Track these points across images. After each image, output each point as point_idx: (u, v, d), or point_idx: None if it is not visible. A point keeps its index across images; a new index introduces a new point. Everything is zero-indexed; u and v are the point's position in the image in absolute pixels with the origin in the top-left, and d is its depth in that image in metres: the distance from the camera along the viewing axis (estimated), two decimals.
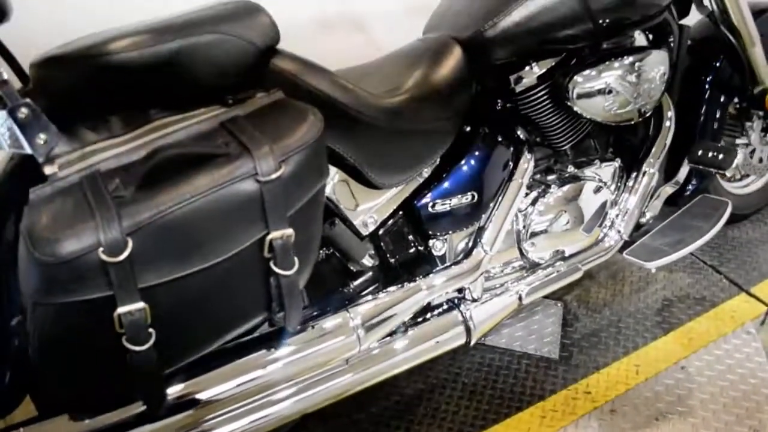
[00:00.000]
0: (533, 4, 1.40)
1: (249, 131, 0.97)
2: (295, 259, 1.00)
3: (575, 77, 1.47)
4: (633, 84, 1.51)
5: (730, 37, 1.81)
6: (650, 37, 1.72)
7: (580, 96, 1.48)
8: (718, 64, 1.91)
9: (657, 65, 1.55)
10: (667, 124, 1.70)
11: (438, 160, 1.39)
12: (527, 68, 1.51)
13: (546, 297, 1.81)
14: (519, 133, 1.54)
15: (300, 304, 1.08)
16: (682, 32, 1.73)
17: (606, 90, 1.49)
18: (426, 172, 1.38)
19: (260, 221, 0.95)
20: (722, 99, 1.94)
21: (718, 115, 1.93)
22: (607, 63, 1.50)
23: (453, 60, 1.40)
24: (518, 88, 1.53)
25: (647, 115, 1.61)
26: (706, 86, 1.91)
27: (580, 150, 1.67)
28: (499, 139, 1.49)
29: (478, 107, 1.49)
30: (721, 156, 1.70)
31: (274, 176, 0.92)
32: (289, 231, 0.97)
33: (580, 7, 1.42)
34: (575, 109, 1.49)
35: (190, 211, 0.89)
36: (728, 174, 1.72)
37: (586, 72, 1.48)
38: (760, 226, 2.27)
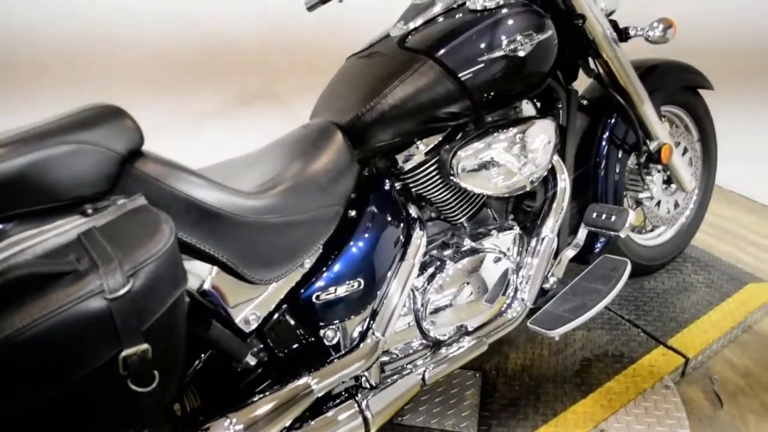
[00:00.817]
0: (408, 86, 1.41)
1: (101, 244, 0.94)
2: (155, 373, 0.96)
3: (458, 153, 1.48)
4: (517, 155, 1.53)
5: (619, 98, 1.85)
6: (538, 104, 1.75)
7: (465, 171, 1.48)
8: (612, 123, 1.95)
9: (541, 135, 1.57)
10: (562, 185, 1.71)
11: (321, 248, 1.37)
12: (413, 146, 1.51)
13: (464, 367, 1.78)
14: (411, 210, 1.54)
15: (165, 419, 1.03)
16: (570, 97, 1.76)
17: (490, 164, 1.50)
18: (308, 262, 1.35)
19: (112, 339, 0.91)
20: (620, 156, 1.97)
21: (617, 172, 1.96)
22: (490, 136, 1.51)
23: (333, 146, 1.39)
24: (407, 167, 1.53)
25: (537, 182, 1.62)
26: (603, 145, 1.94)
27: (477, 221, 1.67)
28: (389, 219, 1.47)
29: (365, 189, 1.48)
30: (613, 218, 1.71)
31: (122, 292, 0.89)
32: (144, 346, 0.93)
33: (455, 86, 1.44)
34: (462, 184, 1.49)
35: (36, 335, 0.84)
36: (622, 235, 1.74)
37: (469, 147, 1.49)
38: (675, 275, 2.29)
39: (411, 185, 1.55)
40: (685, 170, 2.07)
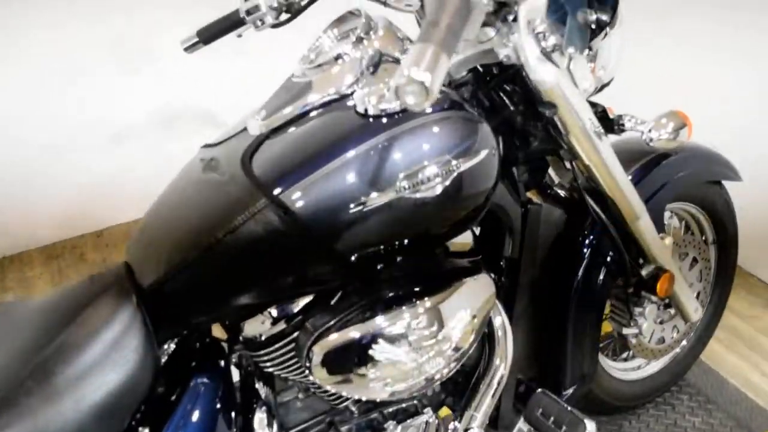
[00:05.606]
0: (241, 238, 0.89)
1: None
2: None
3: (321, 340, 0.94)
4: (416, 348, 0.98)
5: (601, 214, 1.28)
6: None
7: (326, 369, 0.95)
8: (593, 239, 1.37)
9: (461, 310, 1.01)
10: (497, 363, 1.16)
11: None
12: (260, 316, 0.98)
13: None
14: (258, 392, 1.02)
15: None
16: (527, 215, 1.20)
17: (371, 363, 0.96)
18: None
19: None
20: (601, 279, 1.40)
21: (595, 303, 1.41)
22: (380, 315, 0.96)
23: (117, 326, 0.88)
24: (252, 338, 1.00)
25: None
26: (580, 272, 1.37)
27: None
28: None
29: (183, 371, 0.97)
30: (563, 429, 1.16)
31: None
32: None
33: (310, 242, 0.89)
34: (325, 387, 0.96)
35: None
36: None
37: (341, 333, 0.95)
38: (665, 413, 1.75)
39: (260, 363, 1.02)
40: (689, 298, 1.51)
